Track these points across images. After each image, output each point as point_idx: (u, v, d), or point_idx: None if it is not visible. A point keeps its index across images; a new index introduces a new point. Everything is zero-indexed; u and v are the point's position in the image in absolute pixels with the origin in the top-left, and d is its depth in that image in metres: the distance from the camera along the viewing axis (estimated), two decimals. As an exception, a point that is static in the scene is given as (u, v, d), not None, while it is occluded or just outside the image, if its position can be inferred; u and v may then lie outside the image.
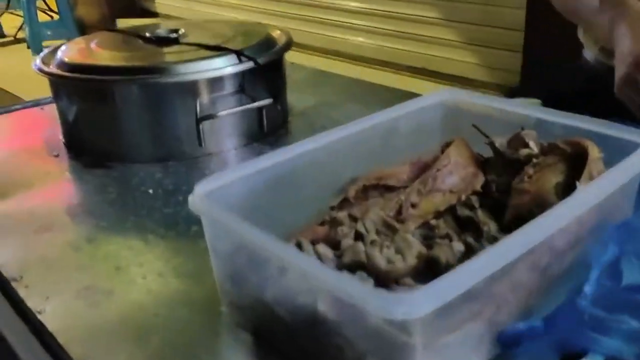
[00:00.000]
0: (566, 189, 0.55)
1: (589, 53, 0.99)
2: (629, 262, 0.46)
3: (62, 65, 0.86)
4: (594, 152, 0.55)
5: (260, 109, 0.88)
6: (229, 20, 1.14)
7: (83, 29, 4.26)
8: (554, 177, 0.57)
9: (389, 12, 2.75)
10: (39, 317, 0.55)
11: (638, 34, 0.73)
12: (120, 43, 0.94)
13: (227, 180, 0.55)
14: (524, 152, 0.61)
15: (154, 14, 4.24)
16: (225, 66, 0.84)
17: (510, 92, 2.32)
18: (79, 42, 0.97)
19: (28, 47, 4.03)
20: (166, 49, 0.91)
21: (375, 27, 2.84)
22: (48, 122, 0.98)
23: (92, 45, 0.92)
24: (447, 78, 2.59)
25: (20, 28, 4.26)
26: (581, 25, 0.90)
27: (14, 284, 0.60)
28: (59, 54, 0.89)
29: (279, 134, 0.93)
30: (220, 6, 3.65)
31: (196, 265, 0.62)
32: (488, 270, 0.42)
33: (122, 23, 4.10)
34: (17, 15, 4.54)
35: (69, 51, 0.90)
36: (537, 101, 0.94)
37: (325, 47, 3.04)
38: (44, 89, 0.94)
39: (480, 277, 0.41)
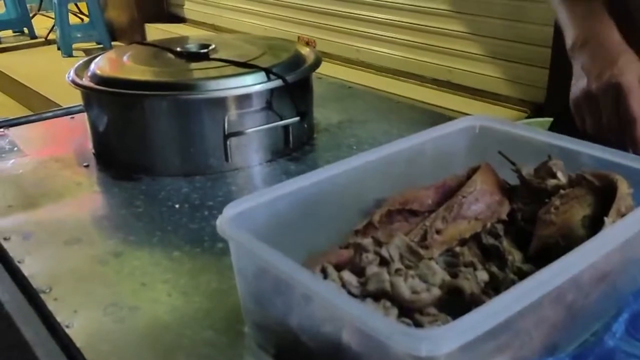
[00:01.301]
0: (593, 222, 0.55)
1: None
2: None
3: (95, 78, 0.88)
4: (623, 188, 0.54)
5: (287, 126, 0.89)
6: (258, 36, 1.15)
7: (113, 32, 4.32)
8: (581, 210, 0.57)
9: (415, 24, 2.75)
10: (67, 331, 0.56)
11: (598, 59, 0.74)
12: (151, 57, 0.96)
13: (255, 203, 0.56)
14: (551, 182, 0.61)
15: (183, 20, 4.28)
16: (254, 84, 0.85)
17: (535, 109, 2.30)
18: (112, 54, 0.99)
19: (58, 49, 4.10)
20: (196, 65, 0.92)
21: (401, 39, 2.84)
22: (78, 132, 1.00)
23: (125, 58, 0.94)
24: (471, 92, 2.58)
25: (51, 30, 4.34)
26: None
27: (43, 296, 0.62)
28: (92, 66, 0.91)
29: (304, 151, 0.94)
30: (247, 14, 3.68)
31: (220, 283, 0.63)
32: (514, 307, 0.42)
33: (151, 28, 4.15)
34: (49, 17, 4.63)
35: (103, 64, 0.92)
36: (549, 120, 0.93)
37: (351, 57, 3.05)
38: (74, 93, 0.95)
39: (507, 314, 0.41)
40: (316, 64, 0.95)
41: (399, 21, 2.84)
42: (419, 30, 2.76)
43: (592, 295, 0.51)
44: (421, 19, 2.74)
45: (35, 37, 4.54)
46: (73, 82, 0.88)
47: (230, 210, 0.53)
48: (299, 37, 3.12)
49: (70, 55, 3.98)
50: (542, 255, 0.55)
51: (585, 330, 0.52)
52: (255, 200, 0.56)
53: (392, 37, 2.90)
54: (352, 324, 0.43)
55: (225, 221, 0.52)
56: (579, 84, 0.75)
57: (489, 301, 0.43)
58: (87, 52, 3.91)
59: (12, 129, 1.03)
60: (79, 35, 4.12)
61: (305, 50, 0.99)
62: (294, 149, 0.92)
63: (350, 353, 0.44)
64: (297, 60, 0.94)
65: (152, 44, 1.03)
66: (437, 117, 1.06)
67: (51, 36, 4.35)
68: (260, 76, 0.86)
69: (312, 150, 0.94)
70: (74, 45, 4.07)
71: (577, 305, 0.50)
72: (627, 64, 0.73)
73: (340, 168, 0.62)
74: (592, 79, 0.73)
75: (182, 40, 1.04)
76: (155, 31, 4.06)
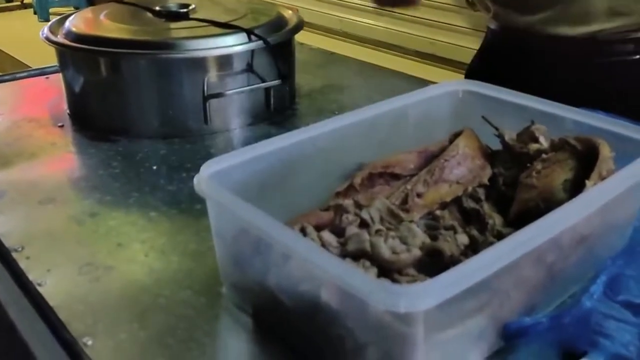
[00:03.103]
0: (574, 186, 0.55)
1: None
2: (627, 282, 0.47)
3: (70, 35, 0.85)
4: (605, 151, 0.54)
5: (268, 89, 0.88)
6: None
7: (90, -3, 4.22)
8: (562, 174, 0.57)
9: (400, -5, 2.73)
10: (40, 289, 0.55)
11: None
12: (129, 16, 0.93)
13: (233, 162, 0.55)
14: (533, 147, 0.61)
15: (163, -14, 4.20)
16: (234, 44, 0.83)
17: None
18: (88, 12, 0.96)
19: (34, 13, 4.00)
20: (176, 24, 0.90)
21: (384, 10, 2.82)
22: (53, 92, 0.98)
23: (102, 16, 0.91)
24: (454, 65, 2.57)
25: (28, -7, 4.22)
26: None
27: (14, 255, 0.60)
28: (67, 23, 0.88)
29: (285, 115, 0.92)
30: (229, -20, 3.62)
31: (198, 244, 0.62)
32: (494, 266, 0.42)
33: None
34: (25, -20, 4.50)
35: (78, 21, 0.89)
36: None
37: (334, 27, 3.02)
38: (49, 56, 0.93)
39: (486, 273, 0.41)
40: (298, 26, 0.93)
41: (383, -9, 2.81)
42: (403, 1, 2.73)
43: (571, 258, 0.51)
44: (405, -10, 2.71)
45: (11, 0, 4.41)
46: (47, 39, 0.85)
47: (208, 169, 0.52)
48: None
49: (47, 20, 3.88)
50: (523, 219, 0.55)
51: (564, 292, 0.53)
52: (234, 159, 0.55)
53: (375, 8, 2.87)
54: (330, 281, 0.43)
55: (203, 179, 0.51)
56: None
57: (469, 259, 0.43)
58: (64, 16, 3.81)
59: (-16, 88, 1.01)
60: (56, 0, 4.02)
61: (287, 13, 0.97)
62: (275, 113, 0.90)
63: (328, 311, 0.44)
64: (279, 22, 0.92)
65: (130, 3, 1.00)
66: (421, 84, 1.05)
67: (27, 0, 4.24)
68: (242, 37, 0.84)
69: (294, 115, 0.93)
70: (51, 10, 3.96)
71: (556, 267, 0.50)
72: None
73: (321, 129, 0.61)
74: None
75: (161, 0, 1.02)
76: (135, -3, 3.97)
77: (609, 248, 0.55)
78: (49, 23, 0.91)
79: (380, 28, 2.86)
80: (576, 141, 0.57)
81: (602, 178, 0.53)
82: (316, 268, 0.43)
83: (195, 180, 0.51)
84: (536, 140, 0.61)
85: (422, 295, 0.39)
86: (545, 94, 0.66)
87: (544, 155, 0.59)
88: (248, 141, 0.86)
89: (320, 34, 2.97)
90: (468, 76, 1.05)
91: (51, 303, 0.53)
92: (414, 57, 2.74)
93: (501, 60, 1.00)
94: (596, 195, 0.50)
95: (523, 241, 0.44)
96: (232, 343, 0.52)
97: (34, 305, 0.55)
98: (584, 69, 0.90)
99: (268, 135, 0.85)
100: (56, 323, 0.52)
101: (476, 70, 1.06)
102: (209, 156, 0.79)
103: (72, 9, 4.07)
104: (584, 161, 0.56)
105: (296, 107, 0.95)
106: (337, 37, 3.01)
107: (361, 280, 0.41)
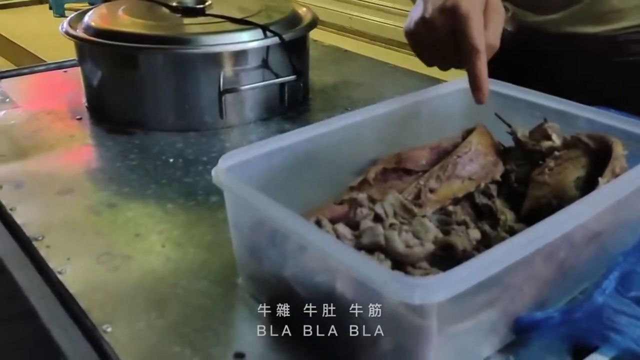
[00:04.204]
0: (586, 183, 0.55)
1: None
2: (639, 278, 0.48)
3: (89, 29, 0.87)
4: (618, 149, 0.55)
5: (282, 84, 0.89)
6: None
7: (105, -8, 4.24)
8: (575, 171, 0.57)
9: (412, -8, 2.73)
10: (60, 277, 0.57)
11: None
12: (146, 11, 0.94)
13: (250, 156, 0.56)
14: (546, 144, 0.61)
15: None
16: (250, 40, 0.84)
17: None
18: (106, 8, 0.97)
19: (50, 9, 4.03)
20: (192, 20, 0.91)
21: (394, 8, 2.82)
22: (71, 85, 0.99)
23: (120, 12, 0.93)
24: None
25: (43, -12, 4.25)
26: None
27: (35, 244, 0.62)
28: (86, 18, 0.90)
29: (299, 110, 0.93)
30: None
31: (214, 235, 0.63)
32: (506, 261, 0.42)
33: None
34: (40, -25, 4.53)
35: (96, 16, 0.91)
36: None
37: (344, 25, 3.02)
38: (65, 51, 0.94)
39: (499, 267, 0.42)
40: (313, 23, 0.94)
41: (394, -11, 2.81)
42: (415, -2, 2.73)
43: (583, 254, 0.52)
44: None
45: (27, -4, 4.45)
46: (67, 33, 0.87)
47: (225, 162, 0.53)
48: (293, 3, 3.09)
49: (62, 16, 3.91)
50: (535, 216, 0.56)
51: (575, 288, 0.53)
52: (250, 153, 0.56)
53: (386, 6, 2.87)
54: (346, 273, 0.44)
55: (221, 172, 0.52)
56: (414, 12, 0.68)
57: (482, 254, 0.43)
58: (78, 11, 3.82)
59: (4, 81, 1.02)
60: (71, -5, 4.05)
61: (301, 10, 0.98)
62: (289, 108, 0.91)
63: (343, 302, 0.45)
64: (294, 19, 0.93)
65: (147, -1, 1.01)
66: (432, 82, 1.06)
67: (43, -5, 4.27)
68: (257, 33, 0.85)
69: (307, 110, 0.94)
70: (67, 6, 4.00)
71: (568, 264, 0.51)
72: None
73: (335, 125, 0.62)
74: (428, 4, 0.65)
75: (178, -5, 1.03)
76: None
77: (620, 245, 0.56)
78: (68, 18, 0.92)
79: (390, 25, 2.86)
80: (589, 139, 0.58)
81: (615, 176, 0.53)
82: (332, 259, 0.44)
83: (213, 172, 0.52)
84: (549, 138, 0.62)
85: (437, 288, 0.39)
86: (559, 92, 0.66)
87: (556, 153, 0.59)
88: (262, 135, 0.87)
89: (330, 32, 2.98)
90: None
91: (71, 291, 0.55)
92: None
93: (515, 60, 0.99)
94: (609, 192, 0.50)
95: (535, 237, 0.44)
96: (248, 332, 0.53)
97: (55, 292, 0.56)
98: (599, 68, 0.90)
99: (282, 130, 0.87)
100: (76, 310, 0.53)
101: (489, 70, 1.06)
102: (224, 150, 0.81)
103: (87, 4, 4.10)
104: (597, 159, 0.57)
105: (310, 103, 0.96)
106: (347, 35, 3.01)
107: (376, 271, 0.41)
